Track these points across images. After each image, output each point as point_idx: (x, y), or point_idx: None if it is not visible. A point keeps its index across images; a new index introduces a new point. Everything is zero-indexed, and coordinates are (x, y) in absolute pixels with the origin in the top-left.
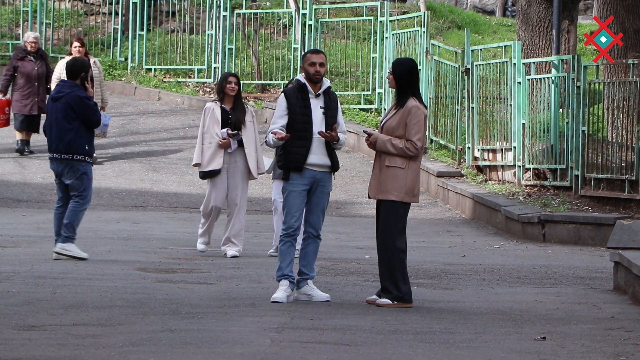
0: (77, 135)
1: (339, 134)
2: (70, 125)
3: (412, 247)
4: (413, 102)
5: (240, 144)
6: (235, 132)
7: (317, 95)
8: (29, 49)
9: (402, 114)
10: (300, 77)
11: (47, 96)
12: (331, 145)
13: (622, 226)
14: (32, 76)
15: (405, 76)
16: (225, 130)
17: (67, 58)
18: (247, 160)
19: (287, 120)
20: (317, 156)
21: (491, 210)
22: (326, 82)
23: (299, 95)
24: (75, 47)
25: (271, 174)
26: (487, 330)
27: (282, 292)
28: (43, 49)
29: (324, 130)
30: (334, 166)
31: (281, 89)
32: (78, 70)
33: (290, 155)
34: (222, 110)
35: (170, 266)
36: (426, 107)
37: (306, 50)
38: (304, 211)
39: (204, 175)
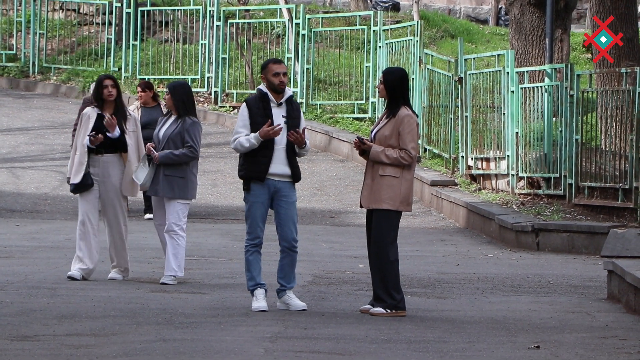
0: None
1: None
2: None
3: (405, 256)
4: (405, 111)
5: (115, 147)
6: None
7: (280, 105)
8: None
9: (395, 123)
10: (262, 86)
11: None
12: (296, 150)
13: (615, 235)
14: None
15: (396, 85)
16: (89, 138)
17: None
18: (124, 175)
19: (249, 130)
20: (277, 166)
21: (485, 219)
22: (288, 91)
23: (261, 104)
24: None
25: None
26: (480, 339)
27: (262, 300)
28: (37, 60)
29: (285, 140)
30: (295, 176)
31: None
32: None
33: (252, 165)
34: (99, 117)
35: None
36: (417, 116)
37: (269, 60)
38: (276, 226)
39: (73, 189)
